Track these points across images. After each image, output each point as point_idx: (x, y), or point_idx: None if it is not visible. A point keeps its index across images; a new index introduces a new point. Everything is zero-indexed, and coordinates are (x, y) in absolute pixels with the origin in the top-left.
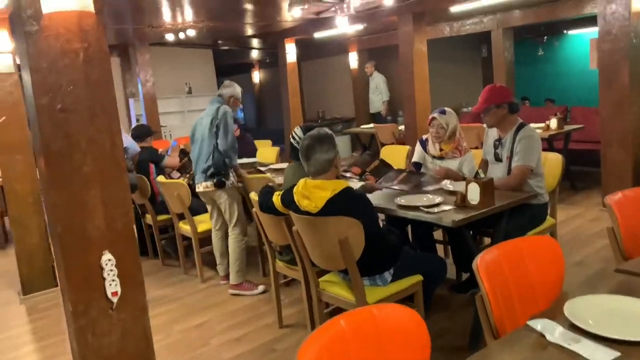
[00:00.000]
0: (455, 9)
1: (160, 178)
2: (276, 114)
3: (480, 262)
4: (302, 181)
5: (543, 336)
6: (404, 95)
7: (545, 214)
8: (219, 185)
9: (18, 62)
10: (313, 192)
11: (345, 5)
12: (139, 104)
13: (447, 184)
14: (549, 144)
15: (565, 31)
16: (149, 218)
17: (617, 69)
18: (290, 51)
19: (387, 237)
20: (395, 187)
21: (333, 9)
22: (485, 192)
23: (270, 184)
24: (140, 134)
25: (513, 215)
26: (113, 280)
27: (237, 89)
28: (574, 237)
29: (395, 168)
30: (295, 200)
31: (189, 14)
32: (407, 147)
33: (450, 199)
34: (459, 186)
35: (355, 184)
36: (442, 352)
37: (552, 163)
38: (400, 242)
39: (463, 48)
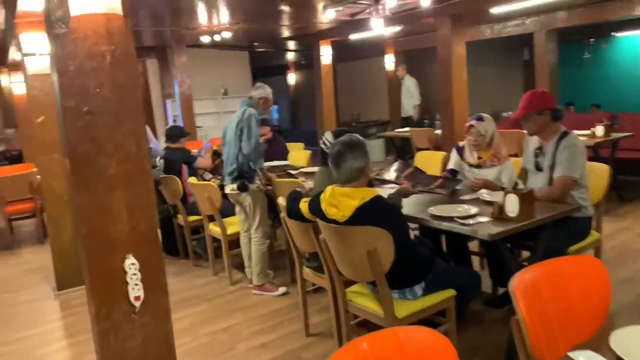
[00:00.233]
0: (495, 10)
1: (192, 179)
2: (310, 116)
3: (517, 283)
4: (329, 188)
5: None
6: (441, 99)
7: (589, 228)
8: (242, 188)
9: None
10: (341, 201)
11: (380, 7)
12: (175, 105)
13: (484, 194)
14: (595, 152)
15: (613, 33)
16: (180, 219)
17: None
18: (325, 53)
19: (418, 249)
20: (435, 191)
21: (368, 10)
22: (524, 204)
23: (298, 188)
24: (173, 134)
25: (554, 228)
26: (136, 285)
27: (267, 90)
28: (620, 252)
29: (430, 175)
30: (322, 208)
31: (224, 15)
32: (443, 153)
33: (487, 209)
34: (497, 196)
35: (385, 191)
36: None
37: (598, 173)
38: (433, 254)
39: (503, 51)
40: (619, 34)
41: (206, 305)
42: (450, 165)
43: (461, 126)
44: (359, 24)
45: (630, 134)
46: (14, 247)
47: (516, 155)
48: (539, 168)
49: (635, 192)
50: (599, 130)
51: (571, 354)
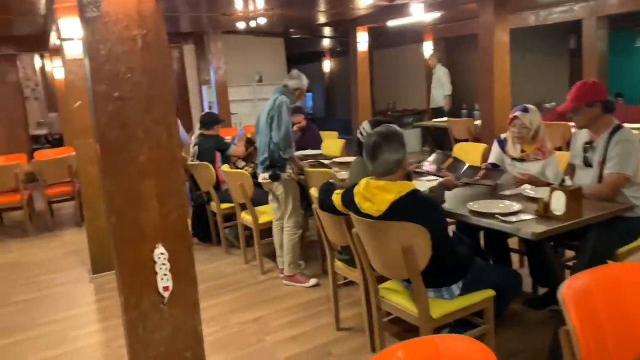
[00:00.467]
0: None
1: (225, 167)
2: (345, 105)
3: (568, 290)
4: (364, 181)
5: None
6: (481, 89)
7: None
8: (274, 177)
9: None
10: (376, 195)
11: None
12: (211, 92)
13: (527, 190)
14: None
15: None
16: (214, 206)
17: None
18: (362, 40)
19: (457, 246)
20: (482, 182)
21: None
22: (572, 202)
23: (331, 180)
24: (208, 121)
25: (603, 228)
26: (165, 275)
27: (304, 82)
28: None
29: (471, 166)
30: (356, 201)
31: (261, 1)
32: (484, 146)
33: (530, 206)
34: (542, 193)
35: (423, 184)
36: None
37: None
38: (472, 252)
39: (548, 38)
40: None
41: (236, 294)
42: (492, 159)
43: (502, 117)
44: (398, 10)
45: None
46: (55, 229)
47: (560, 149)
48: (587, 164)
49: None
50: None
51: None
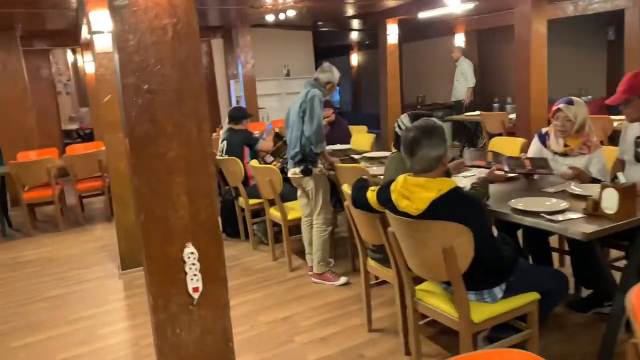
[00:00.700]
0: None
1: (254, 162)
2: (373, 98)
3: (636, 299)
4: (401, 178)
5: None
6: (517, 81)
7: None
8: (306, 172)
9: None
10: (414, 192)
11: None
12: (239, 86)
13: (573, 186)
14: None
15: None
16: (242, 201)
17: None
18: (392, 32)
19: (500, 247)
20: (539, 172)
21: None
22: (625, 200)
23: (364, 176)
24: (236, 115)
25: None
26: (195, 275)
27: (336, 75)
28: None
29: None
30: (393, 199)
31: None
32: (522, 140)
33: (577, 204)
34: (591, 189)
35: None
36: None
37: None
38: (516, 253)
39: (585, 29)
40: None
41: (265, 292)
42: (530, 154)
43: (538, 111)
44: (430, 1)
45: None
46: (85, 224)
47: (601, 143)
48: (639, 159)
49: None
50: None
51: None
